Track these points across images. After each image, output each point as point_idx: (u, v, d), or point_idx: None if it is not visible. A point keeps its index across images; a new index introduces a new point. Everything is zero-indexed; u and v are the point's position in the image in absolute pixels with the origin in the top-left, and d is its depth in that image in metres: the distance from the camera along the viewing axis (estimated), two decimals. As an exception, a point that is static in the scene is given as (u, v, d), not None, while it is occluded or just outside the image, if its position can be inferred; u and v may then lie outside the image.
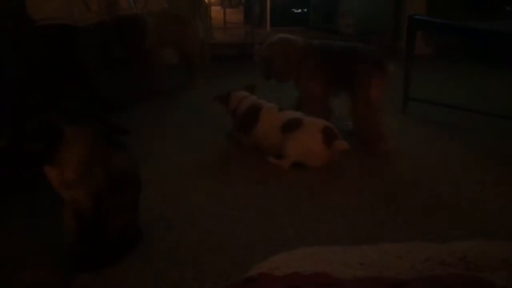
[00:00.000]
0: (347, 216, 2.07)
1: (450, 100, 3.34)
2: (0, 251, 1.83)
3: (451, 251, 0.93)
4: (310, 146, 2.46)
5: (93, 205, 1.66)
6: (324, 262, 0.89)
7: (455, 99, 3.42)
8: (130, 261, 1.76)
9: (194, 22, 3.65)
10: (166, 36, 3.47)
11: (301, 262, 0.88)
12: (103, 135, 1.76)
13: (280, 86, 3.13)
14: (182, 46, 3.66)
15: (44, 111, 1.87)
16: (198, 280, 1.66)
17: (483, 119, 3.08)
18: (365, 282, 0.78)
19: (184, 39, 3.60)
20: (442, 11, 4.36)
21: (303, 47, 2.78)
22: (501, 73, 4.08)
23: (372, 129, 2.66)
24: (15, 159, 1.58)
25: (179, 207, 2.14)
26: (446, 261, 0.88)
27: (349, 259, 0.90)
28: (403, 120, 3.20)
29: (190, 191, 2.28)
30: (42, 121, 1.58)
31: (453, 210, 2.11)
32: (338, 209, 2.13)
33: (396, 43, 4.74)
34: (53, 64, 3.05)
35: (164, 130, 3.02)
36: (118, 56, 3.83)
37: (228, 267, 1.72)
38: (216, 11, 5.50)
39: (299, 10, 4.70)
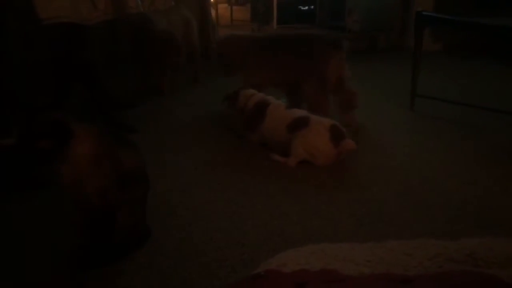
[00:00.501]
0: (354, 213, 2.07)
1: (457, 97, 3.32)
2: (11, 248, 1.85)
3: (459, 248, 0.93)
4: (317, 144, 2.46)
5: (101, 202, 1.67)
6: (332, 259, 0.89)
7: (463, 96, 3.40)
8: (138, 257, 1.77)
9: (194, 19, 3.66)
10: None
11: (309, 259, 0.88)
12: (111, 133, 1.77)
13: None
14: (186, 44, 3.67)
15: (52, 110, 1.89)
16: (206, 276, 1.67)
17: (491, 116, 3.06)
18: (372, 278, 0.78)
19: (188, 36, 3.61)
20: (450, 6, 4.33)
21: (252, 42, 2.94)
22: (510, 69, 4.05)
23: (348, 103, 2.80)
24: (24, 157, 1.59)
25: (187, 204, 2.15)
26: (454, 258, 0.88)
27: (357, 256, 0.90)
28: (411, 116, 3.19)
29: (198, 188, 2.29)
30: (51, 119, 1.59)
31: (461, 207, 2.10)
32: (345, 206, 2.13)
33: (403, 40, 4.71)
34: (60, 62, 3.07)
35: (172, 128, 3.03)
36: (125, 54, 3.86)
37: (236, 264, 1.73)
38: (223, 9, 5.49)
39: (306, 8, 4.69)
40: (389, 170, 2.46)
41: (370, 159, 2.57)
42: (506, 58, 3.97)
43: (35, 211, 2.08)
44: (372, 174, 2.42)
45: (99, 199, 1.67)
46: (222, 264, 1.73)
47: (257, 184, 2.33)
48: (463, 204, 2.13)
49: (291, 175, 2.43)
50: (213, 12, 4.63)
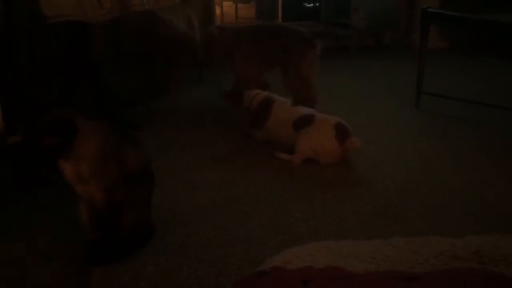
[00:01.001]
0: (359, 211, 2.07)
1: (463, 94, 3.30)
2: (17, 246, 1.86)
3: (465, 245, 0.92)
4: (322, 142, 2.46)
5: (107, 200, 1.68)
6: (337, 256, 0.89)
7: (469, 93, 3.38)
8: (143, 255, 1.77)
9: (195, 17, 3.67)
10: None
11: (314, 256, 0.88)
12: (117, 131, 1.78)
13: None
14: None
15: (58, 107, 1.89)
16: (211, 274, 1.67)
17: (497, 113, 3.04)
18: (377, 275, 0.78)
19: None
20: (455, 3, 4.30)
21: (236, 34, 3.05)
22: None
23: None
24: (30, 154, 1.60)
25: (192, 201, 2.16)
26: (460, 256, 0.88)
27: (362, 253, 0.90)
28: (416, 114, 3.17)
29: (203, 186, 2.29)
30: (56, 116, 1.59)
31: (466, 205, 2.10)
32: (350, 204, 2.12)
33: (409, 37, 4.69)
34: (66, 60, 3.08)
35: (176, 126, 3.03)
36: (131, 52, 3.86)
37: (241, 261, 1.73)
38: (228, 6, 5.49)
39: (311, 5, 4.67)
40: (394, 167, 2.46)
41: (375, 156, 2.56)
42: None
43: (41, 208, 2.09)
44: (377, 171, 2.42)
45: (105, 196, 1.67)
46: (227, 261, 1.73)
47: (262, 181, 2.33)
48: (469, 201, 2.12)
49: (296, 172, 2.43)
50: (218, 10, 4.62)
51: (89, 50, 3.05)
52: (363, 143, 2.48)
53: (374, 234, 1.89)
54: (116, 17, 2.76)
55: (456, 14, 3.07)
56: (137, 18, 3.25)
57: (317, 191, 2.25)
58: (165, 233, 1.90)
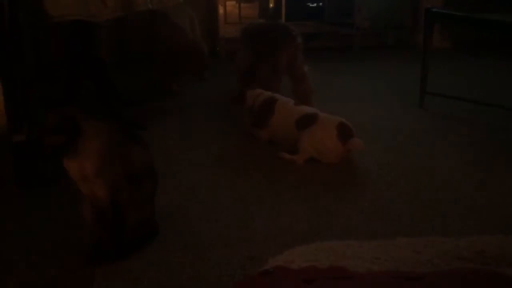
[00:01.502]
0: (363, 211, 2.07)
1: (467, 94, 3.29)
2: (22, 245, 1.87)
3: (469, 245, 0.92)
4: (325, 142, 2.46)
5: (111, 198, 1.68)
6: (340, 256, 0.89)
7: (473, 93, 3.36)
8: (146, 254, 1.78)
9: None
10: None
11: (317, 256, 0.88)
12: (121, 130, 1.78)
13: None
14: None
15: (63, 106, 1.90)
16: (214, 273, 1.68)
17: (502, 114, 3.02)
18: (380, 275, 0.78)
19: (192, 34, 3.61)
20: (459, 3, 4.28)
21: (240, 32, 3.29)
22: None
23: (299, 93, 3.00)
24: (34, 153, 1.61)
25: (195, 201, 2.16)
26: (464, 256, 0.88)
27: (365, 253, 0.90)
28: (420, 114, 3.16)
29: (206, 185, 2.29)
30: (60, 115, 1.60)
31: (471, 205, 2.09)
32: (354, 204, 2.12)
33: (413, 37, 4.68)
34: (71, 59, 3.08)
35: (180, 125, 3.03)
36: (136, 51, 3.87)
37: (244, 261, 1.73)
38: (231, 6, 5.49)
39: (314, 4, 4.66)
40: (398, 167, 2.45)
41: (379, 156, 2.56)
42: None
43: (45, 207, 2.10)
44: (380, 171, 2.41)
45: (108, 195, 1.68)
46: (230, 261, 1.73)
47: (265, 181, 2.33)
48: (473, 202, 2.12)
49: (299, 172, 2.42)
50: (221, 9, 4.62)
51: (94, 49, 3.06)
52: (366, 142, 2.48)
53: (378, 234, 1.89)
54: (121, 17, 2.77)
55: (460, 14, 3.06)
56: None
57: (320, 190, 2.25)
58: (169, 232, 1.90)
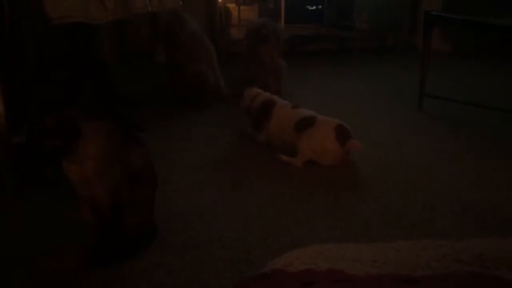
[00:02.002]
0: (362, 213, 2.07)
1: (467, 97, 3.29)
2: (21, 246, 1.87)
3: (467, 248, 0.92)
4: (323, 144, 2.46)
5: (110, 200, 1.68)
6: (338, 259, 0.89)
7: (472, 96, 3.37)
8: (145, 256, 1.77)
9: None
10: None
11: (315, 258, 0.88)
12: (120, 131, 1.78)
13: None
14: None
15: (63, 108, 1.90)
16: (213, 275, 1.67)
17: (501, 117, 3.03)
18: (378, 278, 0.78)
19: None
20: (459, 6, 4.28)
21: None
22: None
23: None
24: (34, 154, 1.61)
25: (194, 203, 2.16)
26: (462, 259, 0.88)
27: (363, 256, 0.90)
28: (419, 116, 3.16)
29: (205, 188, 2.29)
30: (60, 117, 1.60)
31: (469, 208, 2.09)
32: (353, 206, 2.12)
33: (412, 40, 4.68)
34: (71, 61, 3.09)
35: (179, 127, 3.03)
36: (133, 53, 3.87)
37: (242, 264, 1.73)
38: (231, 8, 5.49)
39: (314, 7, 4.67)
40: (396, 170, 2.45)
41: (378, 159, 2.56)
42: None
43: (44, 208, 2.10)
44: (379, 174, 2.41)
45: (108, 197, 1.68)
46: (229, 263, 1.73)
47: (264, 184, 2.33)
48: (471, 205, 2.12)
49: (298, 175, 2.42)
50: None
51: (94, 51, 3.06)
52: (366, 145, 2.48)
53: (377, 236, 1.89)
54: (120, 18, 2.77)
55: (459, 17, 3.06)
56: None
57: (319, 193, 2.25)
58: (168, 234, 1.90)
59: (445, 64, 4.14)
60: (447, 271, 0.80)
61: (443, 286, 0.75)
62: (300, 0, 4.64)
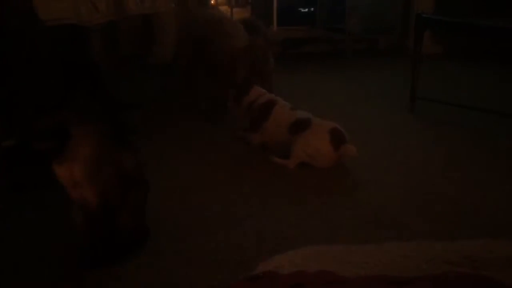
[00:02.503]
0: (354, 215, 2.07)
1: (458, 100, 3.31)
2: (12, 250, 1.85)
3: (457, 250, 0.93)
4: (317, 147, 2.46)
5: (101, 204, 1.67)
6: (329, 261, 0.89)
7: (463, 99, 3.38)
8: (137, 259, 1.77)
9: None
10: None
11: (306, 260, 0.89)
12: (113, 134, 1.78)
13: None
14: None
15: (55, 111, 1.89)
16: (204, 278, 1.67)
17: (492, 119, 3.05)
18: (369, 280, 0.78)
19: None
20: (450, 8, 4.31)
21: None
22: (509, 72, 4.04)
23: None
24: (24, 157, 1.60)
25: (186, 206, 2.15)
26: (452, 260, 0.88)
27: (354, 258, 0.90)
28: (411, 119, 3.18)
29: (197, 190, 2.29)
30: (50, 120, 1.59)
31: (461, 209, 2.10)
32: (345, 208, 2.13)
33: (404, 42, 4.71)
34: (63, 63, 3.07)
35: (172, 130, 3.03)
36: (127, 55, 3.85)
37: (234, 266, 1.73)
38: (223, 10, 5.51)
39: (306, 9, 4.69)
40: (388, 173, 2.46)
41: (370, 161, 2.57)
42: (508, 61, 3.96)
43: (35, 212, 2.09)
44: (371, 176, 2.42)
45: (99, 200, 1.67)
46: (220, 265, 1.73)
47: (256, 186, 2.33)
48: (463, 207, 2.13)
49: (291, 177, 2.43)
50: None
51: (88, 53, 3.05)
52: (357, 147, 2.49)
53: (368, 239, 1.89)
54: (113, 21, 2.77)
55: (450, 19, 3.08)
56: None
57: (311, 195, 2.25)
58: (160, 237, 1.89)
59: (437, 66, 4.17)
60: (437, 273, 0.81)
61: (433, 287, 0.75)
62: (292, 2, 4.66)
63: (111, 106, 3.06)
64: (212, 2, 4.51)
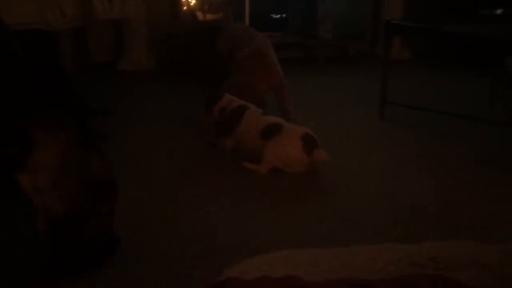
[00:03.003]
0: (326, 219, 2.08)
1: (426, 104, 3.37)
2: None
3: (422, 252, 0.94)
4: (289, 152, 2.46)
5: (68, 212, 1.63)
6: (296, 265, 0.89)
7: (432, 103, 3.44)
8: (106, 268, 1.73)
9: None
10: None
11: (272, 265, 0.88)
12: (80, 141, 1.74)
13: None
14: None
15: (18, 117, 1.84)
16: (177, 286, 1.65)
17: (460, 122, 3.11)
18: (333, 284, 0.78)
19: None
20: (419, 15, 4.41)
21: None
22: (476, 76, 4.14)
23: None
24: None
25: (157, 213, 2.12)
26: (417, 262, 0.89)
27: (321, 261, 0.90)
28: (381, 124, 3.22)
29: (170, 197, 2.26)
30: (13, 126, 1.55)
31: (430, 212, 2.13)
32: (317, 213, 2.13)
33: (374, 48, 4.78)
34: (30, 69, 3.00)
35: (145, 136, 2.99)
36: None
37: (205, 273, 1.70)
38: (197, 15, 5.50)
39: (278, 16, 4.71)
40: (360, 176, 2.48)
41: (341, 166, 2.58)
42: (474, 65, 4.05)
43: (3, 219, 2.02)
44: (343, 180, 2.44)
45: (65, 208, 1.63)
46: (191, 274, 1.71)
47: (229, 192, 2.31)
48: (433, 208, 2.16)
49: (263, 182, 2.42)
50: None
51: (55, 59, 3.00)
52: (328, 152, 2.50)
53: (341, 242, 1.89)
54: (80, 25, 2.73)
55: (418, 25, 3.14)
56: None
57: (284, 200, 2.25)
58: (129, 245, 1.85)
59: (406, 71, 4.24)
60: (401, 274, 0.81)
61: (397, 289, 0.75)
62: (264, 9, 4.68)
63: (79, 113, 3.01)
64: (185, 8, 4.48)
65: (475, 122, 3.05)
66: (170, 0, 4.40)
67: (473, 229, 2.00)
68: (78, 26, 2.79)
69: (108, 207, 1.77)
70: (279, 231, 1.99)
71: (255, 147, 2.56)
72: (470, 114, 3.13)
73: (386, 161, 2.67)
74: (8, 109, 2.77)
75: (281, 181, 2.42)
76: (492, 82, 3.46)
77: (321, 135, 2.62)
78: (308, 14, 4.76)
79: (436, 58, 4.50)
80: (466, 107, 3.34)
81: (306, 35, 4.71)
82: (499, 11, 2.93)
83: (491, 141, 2.91)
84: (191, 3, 4.43)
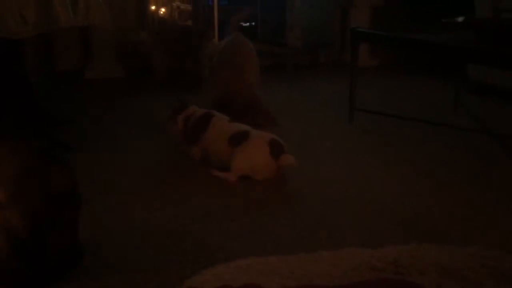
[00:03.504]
0: (294, 226, 2.08)
1: (394, 110, 3.43)
2: None
3: (383, 256, 0.94)
4: (257, 159, 2.46)
5: (28, 225, 1.58)
6: (257, 273, 0.88)
7: (399, 109, 3.51)
8: (69, 282, 1.68)
9: None
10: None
11: (234, 274, 0.87)
12: (40, 151, 1.69)
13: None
14: None
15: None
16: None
17: (426, 128, 3.18)
18: (293, 291, 0.77)
19: None
20: (385, 23, 4.51)
21: None
22: (441, 83, 4.24)
23: None
24: None
25: (124, 223, 2.08)
26: (377, 266, 0.89)
27: (282, 269, 0.89)
28: (349, 130, 3.26)
29: (135, 206, 2.22)
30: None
31: (398, 217, 2.16)
32: (286, 220, 2.13)
33: (343, 55, 4.85)
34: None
35: (109, 145, 2.94)
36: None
37: (173, 284, 1.66)
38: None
39: (247, 24, 4.74)
40: (328, 182, 2.50)
41: (310, 172, 2.60)
42: (439, 72, 4.15)
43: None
44: (311, 187, 2.45)
45: (25, 223, 1.57)
46: (159, 284, 1.67)
47: (196, 200, 2.29)
48: (401, 213, 2.19)
49: (232, 190, 2.41)
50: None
51: (17, 68, 2.92)
52: (298, 158, 2.51)
53: (310, 249, 1.89)
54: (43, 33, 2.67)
55: (383, 33, 3.21)
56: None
57: (252, 207, 2.25)
58: (94, 258, 1.81)
59: (374, 78, 4.31)
60: (362, 280, 0.81)
61: (356, 294, 0.75)
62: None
63: (42, 122, 2.94)
64: (154, 15, 4.46)
65: (440, 127, 3.11)
66: (138, 8, 4.37)
67: (436, 233, 2.03)
68: (43, 34, 2.71)
69: (71, 219, 1.73)
70: (247, 239, 1.98)
71: (222, 154, 2.55)
72: (435, 120, 3.20)
73: (354, 167, 2.70)
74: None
75: (250, 189, 2.42)
76: (456, 89, 3.55)
77: (290, 142, 2.63)
78: (277, 23, 4.81)
79: (403, 65, 4.59)
80: (432, 113, 3.42)
81: (276, 43, 4.74)
82: (460, 19, 3.01)
83: (455, 145, 2.98)
84: (160, 11, 4.41)
